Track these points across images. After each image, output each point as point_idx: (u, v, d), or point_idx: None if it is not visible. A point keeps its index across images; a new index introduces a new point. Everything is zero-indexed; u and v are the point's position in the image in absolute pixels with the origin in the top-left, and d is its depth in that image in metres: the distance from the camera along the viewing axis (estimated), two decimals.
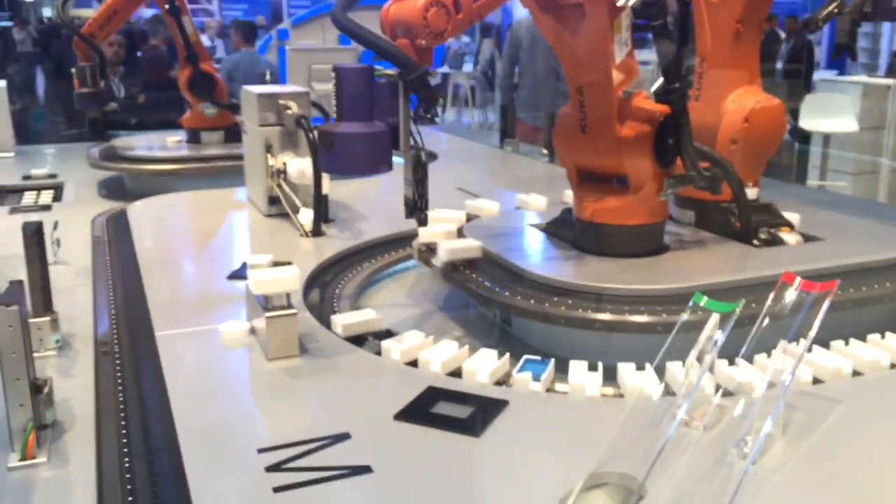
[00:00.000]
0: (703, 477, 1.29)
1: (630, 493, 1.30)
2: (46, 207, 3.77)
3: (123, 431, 1.64)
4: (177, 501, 1.33)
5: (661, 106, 2.09)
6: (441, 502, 1.30)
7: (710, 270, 1.93)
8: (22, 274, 2.63)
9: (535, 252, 2.28)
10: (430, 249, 2.27)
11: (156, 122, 6.29)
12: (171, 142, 4.43)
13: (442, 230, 2.32)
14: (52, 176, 4.42)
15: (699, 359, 1.48)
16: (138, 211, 3.27)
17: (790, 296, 1.45)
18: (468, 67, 14.30)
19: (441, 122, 13.68)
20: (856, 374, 1.72)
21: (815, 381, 1.68)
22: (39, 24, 17.54)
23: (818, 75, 11.01)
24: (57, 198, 4.05)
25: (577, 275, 2.05)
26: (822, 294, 1.44)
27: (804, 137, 7.13)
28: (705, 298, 1.54)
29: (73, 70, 4.14)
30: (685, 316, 1.55)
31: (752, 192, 2.43)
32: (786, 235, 2.35)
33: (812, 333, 1.39)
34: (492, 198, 2.92)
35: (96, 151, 4.30)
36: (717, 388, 1.56)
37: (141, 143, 4.40)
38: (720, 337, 1.47)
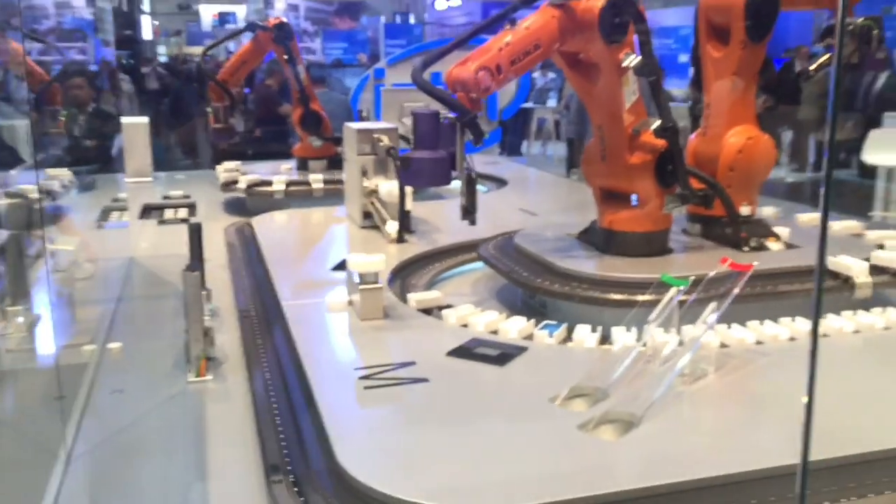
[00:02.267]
0: (647, 387, 1.92)
1: (599, 398, 1.94)
2: (185, 221, 4.65)
3: (264, 362, 2.39)
4: (305, 398, 2.05)
5: (660, 140, 2.72)
6: (474, 400, 1.98)
7: (691, 267, 2.53)
8: (174, 270, 3.50)
9: (565, 252, 2.93)
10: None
11: (266, 153, 7.21)
12: (284, 169, 5.28)
13: None
14: (186, 196, 5.33)
15: (658, 317, 2.11)
16: (261, 223, 4.09)
17: (722, 272, 2.07)
18: (552, 103, 14.97)
19: (526, 154, 14.39)
20: (792, 339, 2.31)
21: (758, 342, 2.28)
22: (160, 64, 19.13)
23: None
24: (192, 213, 4.93)
25: (592, 267, 2.70)
26: (743, 272, 2.06)
27: None
28: (666, 276, 2.17)
29: (209, 109, 5.05)
30: (652, 291, 2.18)
31: (746, 210, 3.02)
32: (771, 244, 2.94)
33: (730, 299, 2.01)
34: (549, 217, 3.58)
35: (233, 177, 5.17)
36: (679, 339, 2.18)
37: (260, 170, 5.25)
38: (675, 302, 2.10)
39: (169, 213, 4.97)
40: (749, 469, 1.60)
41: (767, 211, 3.51)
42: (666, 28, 16.25)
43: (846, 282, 2.59)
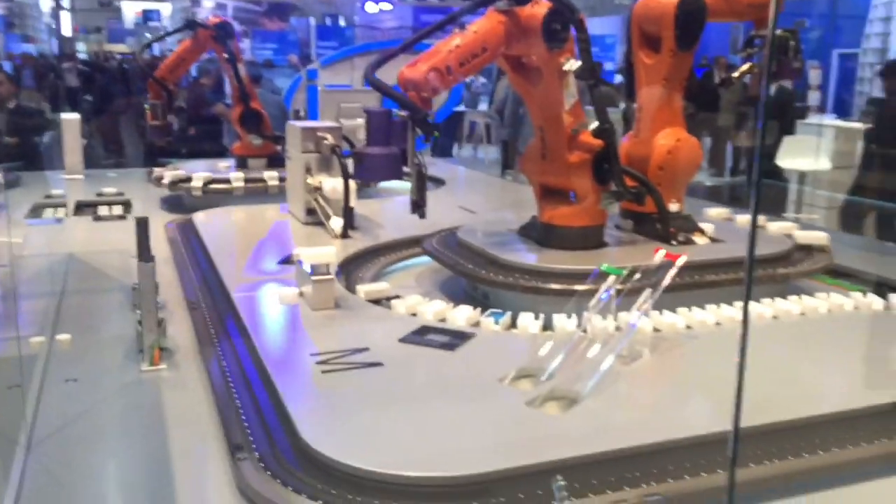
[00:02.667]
0: (588, 368, 2.06)
1: (544, 379, 2.08)
2: (122, 217, 4.62)
3: (218, 351, 2.44)
4: (263, 381, 2.12)
5: (598, 140, 2.89)
6: (427, 381, 2.09)
7: (625, 259, 2.71)
8: (113, 265, 3.50)
9: (507, 245, 3.06)
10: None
11: (197, 152, 7.16)
12: (222, 167, 5.28)
13: None
14: (120, 194, 5.27)
15: (597, 305, 2.26)
16: (202, 219, 4.10)
17: (657, 260, 2.24)
18: (483, 107, 15.19)
19: (457, 156, 14.58)
20: (717, 324, 2.50)
21: (688, 327, 2.46)
22: (83, 61, 18.60)
23: (814, 119, 11.78)
24: (127, 210, 4.89)
25: (533, 259, 2.85)
26: (673, 261, 2.23)
27: None
28: (605, 266, 2.32)
29: (146, 106, 5.01)
30: (590, 281, 2.33)
31: (675, 206, 3.21)
32: (697, 238, 3.14)
33: (662, 285, 2.18)
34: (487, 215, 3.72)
35: (161, 173, 5.14)
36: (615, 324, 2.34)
37: (198, 168, 5.24)
38: (612, 289, 2.26)
39: (103, 210, 4.91)
40: (681, 436, 1.75)
41: (718, 212, 3.75)
42: (592, 37, 16.70)
43: (822, 250, 3.04)
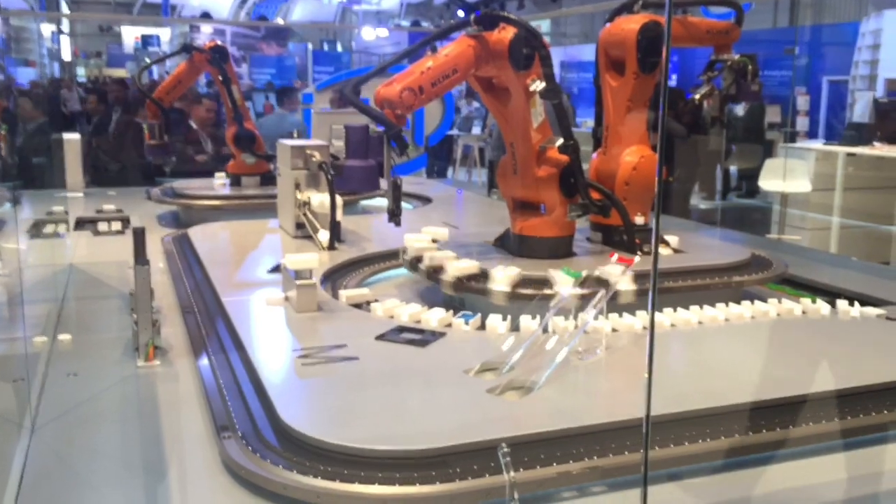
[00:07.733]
0: (546, 362, 2.25)
1: (504, 370, 2.27)
2: (120, 232, 4.82)
3: (209, 349, 2.64)
4: (248, 373, 2.31)
5: (564, 156, 3.10)
6: (398, 375, 2.28)
7: (590, 267, 2.91)
8: (112, 275, 3.69)
9: (482, 255, 3.26)
10: (405, 252, 3.29)
11: (185, 172, 7.41)
12: (218, 184, 5.50)
13: (422, 241, 3.33)
14: (119, 210, 5.47)
15: (556, 306, 2.46)
16: (197, 233, 4.31)
17: (610, 264, 2.44)
18: (476, 130, 15.48)
19: (450, 179, 14.85)
20: (672, 325, 2.70)
21: (644, 328, 2.66)
22: (84, 85, 18.86)
23: (801, 143, 12.06)
24: (126, 226, 5.09)
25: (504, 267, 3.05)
26: (626, 265, 2.43)
27: None
28: (566, 269, 2.53)
29: (145, 126, 5.24)
30: (550, 284, 2.54)
31: (640, 219, 3.42)
32: (661, 249, 3.34)
33: (614, 287, 2.38)
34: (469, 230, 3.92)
35: (158, 191, 5.36)
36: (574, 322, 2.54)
37: (194, 185, 5.45)
38: (569, 291, 2.46)
39: (103, 226, 5.11)
40: (622, 419, 1.95)
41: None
42: (584, 63, 16.95)
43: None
